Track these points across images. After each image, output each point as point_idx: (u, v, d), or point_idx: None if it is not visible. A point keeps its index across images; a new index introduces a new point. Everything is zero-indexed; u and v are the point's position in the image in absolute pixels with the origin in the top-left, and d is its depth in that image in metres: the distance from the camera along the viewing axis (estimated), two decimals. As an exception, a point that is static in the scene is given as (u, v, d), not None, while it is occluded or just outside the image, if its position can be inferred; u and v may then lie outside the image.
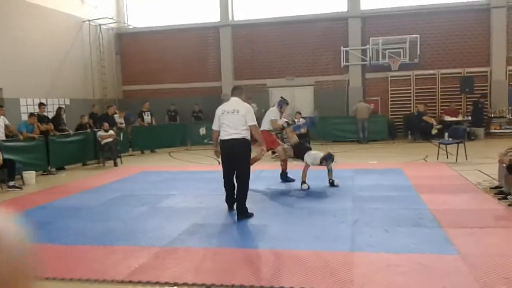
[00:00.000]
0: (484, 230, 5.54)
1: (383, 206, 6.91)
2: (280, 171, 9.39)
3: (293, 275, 4.28)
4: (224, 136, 6.56)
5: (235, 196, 6.68)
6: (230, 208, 6.86)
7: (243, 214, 6.50)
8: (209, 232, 5.86)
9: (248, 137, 6.59)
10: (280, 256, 4.85)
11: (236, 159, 6.54)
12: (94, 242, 5.59)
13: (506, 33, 17.25)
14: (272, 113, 9.39)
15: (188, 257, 4.93)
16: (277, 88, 19.42)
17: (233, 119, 6.49)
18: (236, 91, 6.93)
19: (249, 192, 6.75)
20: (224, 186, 6.85)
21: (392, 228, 5.72)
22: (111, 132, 13.45)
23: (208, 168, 11.98)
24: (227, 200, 6.91)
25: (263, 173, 10.44)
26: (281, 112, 9.54)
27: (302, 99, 19.16)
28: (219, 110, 6.69)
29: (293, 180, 9.18)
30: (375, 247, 5.02)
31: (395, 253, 4.79)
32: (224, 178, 6.76)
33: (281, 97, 9.84)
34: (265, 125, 9.16)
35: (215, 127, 6.75)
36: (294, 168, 9.33)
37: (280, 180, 9.32)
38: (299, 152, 8.92)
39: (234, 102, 6.68)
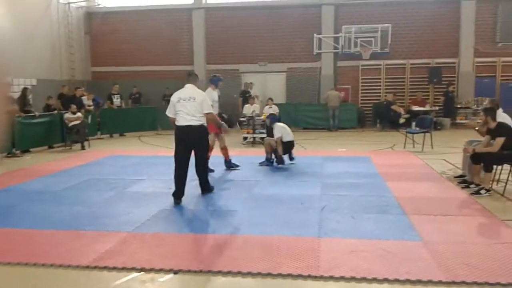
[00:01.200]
0: (446, 218, 5.71)
1: (350, 193, 7.03)
2: (224, 159, 9.25)
3: (261, 260, 4.32)
4: (181, 122, 6.60)
5: (199, 178, 6.89)
6: (178, 201, 6.58)
7: (208, 189, 7.01)
8: (177, 218, 5.85)
9: (205, 123, 6.73)
10: (248, 241, 4.89)
11: (194, 144, 6.64)
12: (59, 227, 5.49)
13: (475, 25, 17.62)
14: (209, 95, 8.62)
15: (156, 243, 4.91)
16: (249, 73, 19.36)
17: (190, 106, 6.57)
18: (190, 77, 6.98)
19: (219, 177, 6.78)
20: (175, 177, 6.64)
21: (358, 215, 5.83)
22: (78, 114, 13.15)
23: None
24: (176, 193, 6.60)
25: (233, 159, 10.44)
26: (217, 90, 9.20)
27: (274, 85, 19.17)
28: (174, 98, 6.73)
29: (238, 166, 9.24)
30: (341, 233, 5.11)
31: (360, 239, 4.89)
32: (176, 166, 6.65)
33: (214, 75, 9.55)
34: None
35: (170, 114, 6.76)
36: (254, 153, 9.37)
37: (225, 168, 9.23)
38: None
39: (190, 89, 6.76)
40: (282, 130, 9.57)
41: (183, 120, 6.58)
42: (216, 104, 8.80)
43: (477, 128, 7.74)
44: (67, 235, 5.21)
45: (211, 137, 8.70)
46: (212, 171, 8.68)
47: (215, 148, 8.95)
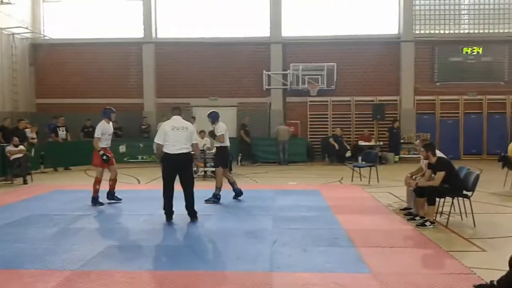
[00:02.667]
0: (394, 250, 5.86)
1: (301, 226, 7.09)
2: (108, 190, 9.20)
3: (213, 296, 4.24)
4: (172, 150, 7.25)
5: (187, 202, 7.43)
6: (170, 218, 7.38)
7: (195, 215, 7.46)
8: (125, 255, 5.66)
9: (192, 152, 7.46)
10: (200, 277, 4.79)
11: (183, 171, 7.36)
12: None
13: (414, 65, 18.66)
14: (98, 129, 9.00)
15: (102, 281, 4.71)
16: (200, 107, 19.35)
17: (182, 135, 7.31)
18: (177, 110, 7.78)
19: (164, 213, 7.26)
20: (165, 198, 7.38)
21: (310, 248, 5.88)
22: (21, 147, 12.62)
23: (126, 187, 11.60)
24: (168, 212, 7.39)
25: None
26: (112, 121, 9.35)
27: (225, 119, 19.14)
28: (167, 126, 7.41)
29: (120, 199, 9.15)
30: (293, 267, 5.12)
31: (312, 272, 4.92)
32: (166, 190, 7.36)
33: (106, 107, 9.69)
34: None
35: (160, 141, 7.36)
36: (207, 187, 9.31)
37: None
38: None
39: (181, 120, 7.54)
40: (223, 131, 9.40)
41: (174, 149, 7.24)
42: (109, 137, 9.06)
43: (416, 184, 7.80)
44: (6, 274, 4.91)
45: (98, 170, 8.94)
46: (102, 204, 8.87)
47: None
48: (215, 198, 9.19)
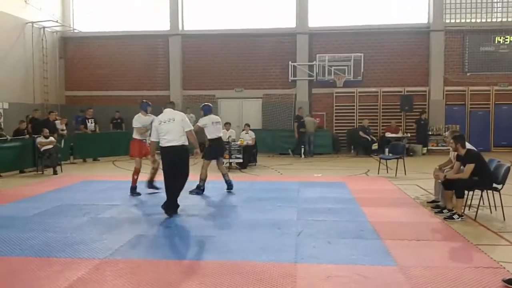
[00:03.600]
0: (421, 243, 5.78)
1: (326, 218, 7.06)
2: (148, 179, 9.33)
3: (238, 286, 4.28)
4: (164, 143, 7.15)
5: (175, 195, 7.19)
6: (174, 211, 7.16)
7: (176, 209, 7.24)
8: (152, 244, 5.75)
9: (186, 143, 7.23)
10: (225, 267, 4.83)
11: (178, 163, 7.14)
12: (29, 254, 5.33)
13: (444, 55, 18.24)
14: (136, 120, 9.17)
15: (129, 270, 4.80)
16: (225, 99, 19.47)
17: (170, 127, 7.13)
18: (169, 104, 7.69)
19: (195, 202, 7.10)
20: (168, 193, 7.17)
21: (334, 240, 5.85)
22: (51, 139, 12.93)
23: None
24: (168, 206, 7.13)
25: (209, 185, 10.40)
26: (147, 115, 9.30)
27: (250, 111, 19.31)
28: (155, 122, 7.35)
29: (158, 189, 9.17)
30: (318, 258, 5.11)
31: (337, 264, 4.90)
32: (168, 184, 7.17)
33: (142, 100, 9.80)
34: (134, 134, 9.19)
35: (154, 138, 7.38)
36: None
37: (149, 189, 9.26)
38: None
39: (169, 112, 7.38)
40: (208, 122, 9.21)
41: (165, 142, 7.12)
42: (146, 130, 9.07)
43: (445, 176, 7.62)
44: (37, 262, 5.05)
45: (136, 160, 9.12)
46: (158, 189, 9.06)
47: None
48: (199, 190, 9.17)
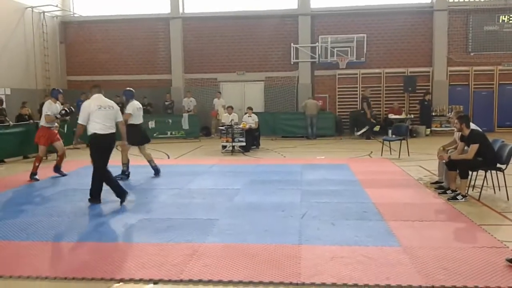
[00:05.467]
0: (424, 223, 5.79)
1: (330, 200, 7.07)
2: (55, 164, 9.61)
3: (242, 268, 4.30)
4: (102, 130, 6.88)
5: (111, 180, 7.06)
6: (99, 201, 7.03)
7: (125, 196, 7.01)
8: (156, 227, 5.78)
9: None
10: (229, 250, 4.86)
11: (109, 151, 7.09)
12: (35, 238, 5.37)
13: (447, 35, 18.06)
14: (47, 108, 9.25)
15: (134, 253, 4.84)
16: (228, 82, 19.40)
17: (109, 114, 7.00)
18: (97, 88, 7.30)
19: (199, 186, 7.24)
20: (101, 181, 7.02)
21: (338, 222, 5.87)
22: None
23: (156, 162, 11.78)
24: (98, 194, 7.05)
25: (213, 168, 10.42)
26: (59, 102, 9.55)
27: (253, 94, 19.25)
28: (92, 105, 6.92)
29: (65, 175, 9.48)
30: (322, 240, 5.13)
31: (341, 246, 4.92)
32: (102, 171, 6.98)
33: (53, 88, 10.00)
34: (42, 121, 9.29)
35: (84, 121, 6.94)
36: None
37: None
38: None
39: (105, 99, 7.16)
40: (134, 109, 9.17)
41: (104, 128, 6.89)
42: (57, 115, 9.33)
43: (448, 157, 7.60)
44: (43, 246, 5.09)
45: (41, 148, 9.27)
46: (65, 175, 9.51)
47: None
48: (123, 175, 9.11)
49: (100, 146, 6.95)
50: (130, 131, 8.26)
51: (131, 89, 9.63)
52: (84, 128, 7.00)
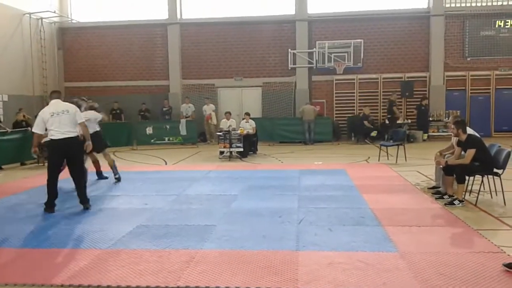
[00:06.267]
0: (421, 229, 5.80)
1: (327, 205, 7.07)
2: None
3: (239, 275, 4.30)
4: (57, 135, 6.82)
5: (78, 189, 7.12)
6: (52, 209, 6.97)
7: (88, 202, 7.16)
8: (154, 234, 5.77)
9: (78, 134, 7.10)
10: (226, 256, 4.86)
11: (72, 157, 6.96)
12: (32, 245, 5.36)
13: (444, 40, 18.14)
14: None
15: (131, 260, 4.83)
16: (225, 88, 19.44)
17: (66, 118, 6.88)
18: (56, 94, 7.27)
19: (197, 192, 6.86)
20: (49, 187, 6.96)
21: (335, 227, 5.87)
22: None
23: (154, 168, 11.80)
24: (50, 203, 6.97)
25: (210, 174, 10.42)
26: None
27: (250, 100, 19.28)
28: (45, 113, 6.91)
29: (106, 178, 9.73)
30: (319, 246, 5.13)
31: (338, 251, 4.92)
32: (50, 178, 6.96)
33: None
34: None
35: (38, 130, 6.97)
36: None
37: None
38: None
39: (61, 104, 7.08)
40: (91, 115, 9.10)
41: (58, 133, 6.81)
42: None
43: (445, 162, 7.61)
44: (39, 253, 5.08)
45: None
46: (106, 178, 9.72)
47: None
48: (116, 179, 9.53)
49: (54, 152, 6.96)
50: (94, 139, 8.27)
51: (83, 98, 9.68)
52: (41, 136, 7.11)
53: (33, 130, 7.06)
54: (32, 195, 8.41)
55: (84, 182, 7.30)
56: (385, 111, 17.91)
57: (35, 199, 7.90)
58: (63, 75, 20.20)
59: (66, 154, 6.92)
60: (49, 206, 6.98)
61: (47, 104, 11.23)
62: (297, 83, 18.94)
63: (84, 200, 7.15)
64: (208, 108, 18.01)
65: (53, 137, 6.84)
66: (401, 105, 18.50)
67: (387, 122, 17.19)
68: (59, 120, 6.84)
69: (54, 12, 18.86)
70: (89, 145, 7.34)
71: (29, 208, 7.34)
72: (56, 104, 7.02)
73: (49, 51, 19.22)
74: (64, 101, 7.34)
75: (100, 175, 9.85)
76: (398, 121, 17.22)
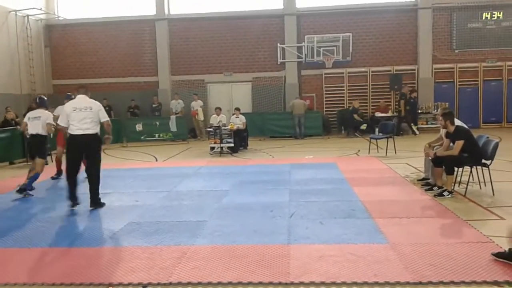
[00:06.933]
0: (411, 220, 5.85)
1: (318, 199, 7.11)
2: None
3: (231, 269, 4.31)
4: (76, 131, 6.83)
5: (91, 188, 6.99)
6: (75, 205, 6.96)
7: (98, 203, 7.00)
8: (145, 231, 5.76)
9: (98, 132, 7.03)
10: (218, 251, 4.86)
11: (89, 153, 6.96)
12: (22, 245, 5.32)
13: (432, 33, 18.25)
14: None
15: (123, 257, 4.82)
16: (215, 83, 19.40)
17: (87, 115, 6.86)
18: (82, 89, 7.28)
19: (188, 188, 6.68)
20: (69, 182, 6.98)
21: (326, 220, 5.90)
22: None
23: (144, 165, 11.77)
24: (71, 197, 6.97)
25: (201, 170, 10.41)
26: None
27: (240, 95, 19.26)
28: (68, 108, 6.97)
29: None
30: (310, 239, 5.16)
31: (329, 244, 4.95)
32: (70, 173, 6.95)
33: (67, 93, 9.62)
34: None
35: (63, 123, 6.99)
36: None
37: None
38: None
39: (85, 100, 7.07)
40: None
41: (77, 129, 6.82)
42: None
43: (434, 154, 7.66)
44: (30, 252, 5.05)
45: (59, 150, 8.99)
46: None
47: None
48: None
49: (72, 147, 6.94)
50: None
51: (43, 97, 9.33)
52: (66, 129, 7.03)
53: (58, 123, 7.07)
54: (19, 195, 8.31)
55: (97, 182, 7.06)
56: (397, 103, 17.93)
57: (24, 199, 7.84)
58: (51, 72, 20.02)
59: (83, 151, 6.92)
60: (71, 200, 6.96)
61: (34, 102, 10.96)
62: (287, 78, 18.96)
63: (94, 200, 7.00)
64: (196, 104, 17.96)
65: (72, 133, 6.86)
66: (389, 98, 18.59)
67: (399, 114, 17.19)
68: (80, 116, 6.83)
69: (41, 9, 18.67)
70: (108, 138, 7.39)
71: (18, 208, 7.27)
72: (80, 100, 7.03)
73: (36, 48, 19.03)
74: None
75: (60, 174, 9.57)
76: (388, 114, 17.32)
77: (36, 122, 8.49)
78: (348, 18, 18.55)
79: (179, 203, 7.24)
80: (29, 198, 7.85)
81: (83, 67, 19.69)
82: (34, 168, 8.37)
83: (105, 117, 7.08)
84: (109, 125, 7.21)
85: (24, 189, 7.96)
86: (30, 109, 9.72)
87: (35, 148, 8.54)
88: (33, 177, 8.22)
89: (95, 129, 6.92)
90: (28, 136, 8.82)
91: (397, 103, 17.82)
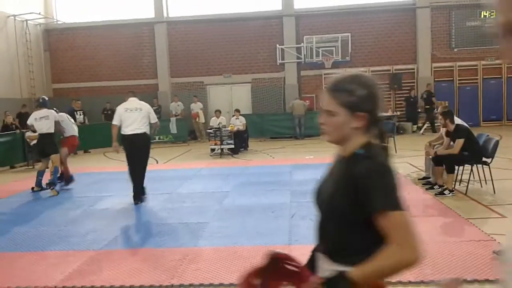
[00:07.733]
0: (413, 219, 5.82)
1: (319, 199, 7.08)
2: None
3: (233, 271, 4.31)
4: (126, 131, 7.27)
5: (134, 184, 7.31)
6: (138, 200, 7.27)
7: (140, 197, 7.34)
8: (146, 233, 5.77)
9: (148, 131, 7.43)
10: (219, 253, 4.87)
11: (139, 151, 7.31)
12: (23, 248, 5.32)
13: (431, 31, 18.24)
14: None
15: (124, 260, 4.82)
16: (214, 85, 19.40)
17: (137, 116, 7.32)
18: (132, 93, 7.86)
19: (189, 190, 6.97)
20: (132, 179, 7.32)
21: (328, 221, 5.88)
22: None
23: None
24: (135, 193, 7.28)
25: (202, 172, 10.42)
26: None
27: (240, 96, 19.26)
28: (121, 108, 7.45)
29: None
30: (312, 240, 5.14)
31: (331, 245, 4.93)
32: (131, 171, 7.33)
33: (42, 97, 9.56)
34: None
35: (116, 122, 7.42)
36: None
37: None
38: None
39: (136, 102, 7.58)
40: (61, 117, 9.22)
41: (128, 129, 7.21)
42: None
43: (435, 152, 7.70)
44: (32, 256, 5.05)
45: (63, 151, 9.20)
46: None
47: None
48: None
49: (125, 146, 7.33)
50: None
51: (45, 98, 9.44)
52: (118, 128, 7.41)
53: (112, 123, 7.45)
54: (22, 198, 8.34)
55: (143, 179, 7.41)
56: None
57: (25, 202, 7.85)
58: (51, 76, 20.02)
59: (134, 148, 7.26)
60: (135, 196, 7.26)
61: (36, 107, 11.10)
62: (286, 79, 18.95)
63: (136, 196, 7.27)
64: (196, 106, 17.96)
65: (123, 132, 7.30)
66: (389, 97, 18.58)
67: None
68: (130, 116, 7.27)
69: (39, 13, 18.66)
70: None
71: (19, 211, 7.28)
72: (131, 102, 7.53)
73: (36, 53, 19.03)
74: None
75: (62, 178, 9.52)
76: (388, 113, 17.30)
77: (45, 122, 8.76)
78: (346, 18, 18.55)
79: (180, 205, 7.24)
80: (29, 202, 7.86)
81: (82, 71, 19.69)
82: (48, 167, 8.86)
83: (155, 119, 7.58)
84: (158, 126, 7.77)
85: (53, 183, 8.47)
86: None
87: (47, 146, 8.78)
88: (54, 172, 8.65)
89: (143, 129, 7.29)
90: (29, 141, 8.90)
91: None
